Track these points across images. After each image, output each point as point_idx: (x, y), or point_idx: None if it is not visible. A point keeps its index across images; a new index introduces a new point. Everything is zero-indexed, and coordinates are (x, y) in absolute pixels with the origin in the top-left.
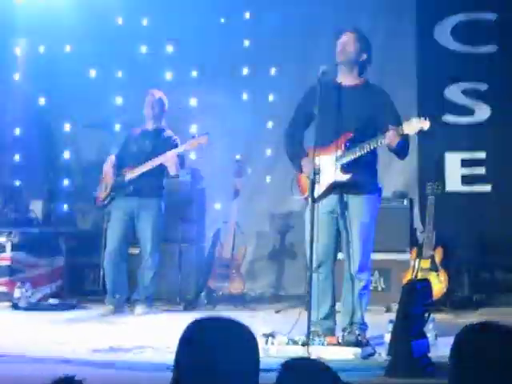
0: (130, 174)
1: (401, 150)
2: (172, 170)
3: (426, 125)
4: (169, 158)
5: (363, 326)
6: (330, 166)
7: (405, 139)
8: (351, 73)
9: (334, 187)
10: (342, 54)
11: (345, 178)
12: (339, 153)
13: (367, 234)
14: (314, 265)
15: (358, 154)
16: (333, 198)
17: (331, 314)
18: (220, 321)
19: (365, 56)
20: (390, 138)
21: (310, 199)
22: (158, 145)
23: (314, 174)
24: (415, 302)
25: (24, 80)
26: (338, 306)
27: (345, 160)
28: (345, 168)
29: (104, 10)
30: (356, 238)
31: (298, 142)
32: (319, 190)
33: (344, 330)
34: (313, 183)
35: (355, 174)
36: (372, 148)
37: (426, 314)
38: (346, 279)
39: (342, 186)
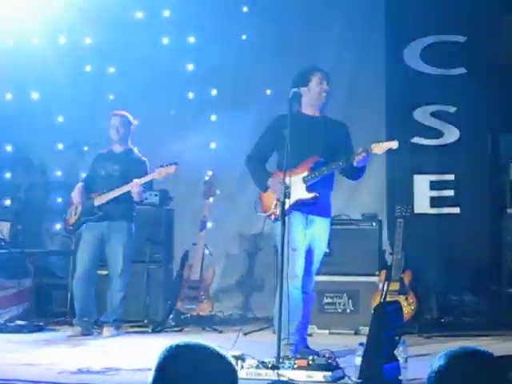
0: (99, 200)
1: (361, 171)
2: (135, 197)
3: (394, 144)
4: (133, 186)
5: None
6: (297, 186)
7: (366, 158)
8: (315, 107)
9: (301, 206)
10: (323, 95)
11: (309, 196)
12: (306, 173)
13: (321, 256)
14: (291, 278)
15: (325, 172)
16: (300, 216)
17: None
18: (200, 349)
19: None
20: (359, 157)
21: (281, 219)
22: (127, 168)
23: (285, 195)
24: (386, 325)
25: None
26: None
27: (311, 179)
28: (310, 188)
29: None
30: (317, 258)
31: (262, 167)
32: (285, 206)
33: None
34: (283, 204)
35: (319, 194)
36: (337, 168)
37: (397, 337)
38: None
39: (308, 206)
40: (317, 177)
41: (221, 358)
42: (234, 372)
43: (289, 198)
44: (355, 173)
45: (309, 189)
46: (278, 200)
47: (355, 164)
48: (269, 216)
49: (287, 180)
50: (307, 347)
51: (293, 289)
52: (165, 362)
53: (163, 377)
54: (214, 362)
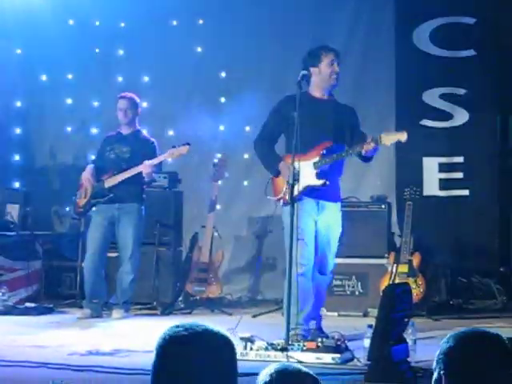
0: (110, 182)
1: (370, 157)
2: (146, 178)
3: (403, 137)
4: (145, 167)
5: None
6: (307, 172)
7: (376, 149)
8: (324, 90)
9: (310, 192)
10: (334, 77)
11: (319, 182)
12: (317, 159)
13: (338, 238)
14: (298, 267)
15: (335, 159)
16: (311, 202)
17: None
18: (197, 329)
19: None
20: (368, 147)
21: (290, 202)
22: (136, 150)
23: (294, 178)
24: (395, 307)
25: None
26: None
27: (322, 165)
28: (320, 174)
29: (81, 12)
30: (334, 241)
31: (271, 150)
32: (294, 191)
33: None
34: (292, 187)
35: (329, 181)
36: (348, 155)
37: (406, 319)
38: (313, 278)
39: (318, 191)
40: (327, 163)
41: (217, 336)
42: (233, 351)
43: (298, 178)
44: (363, 158)
45: (319, 175)
46: (288, 184)
47: (363, 153)
48: (278, 200)
49: (296, 164)
50: (320, 328)
51: (301, 278)
52: (164, 342)
53: (164, 356)
54: (210, 341)
